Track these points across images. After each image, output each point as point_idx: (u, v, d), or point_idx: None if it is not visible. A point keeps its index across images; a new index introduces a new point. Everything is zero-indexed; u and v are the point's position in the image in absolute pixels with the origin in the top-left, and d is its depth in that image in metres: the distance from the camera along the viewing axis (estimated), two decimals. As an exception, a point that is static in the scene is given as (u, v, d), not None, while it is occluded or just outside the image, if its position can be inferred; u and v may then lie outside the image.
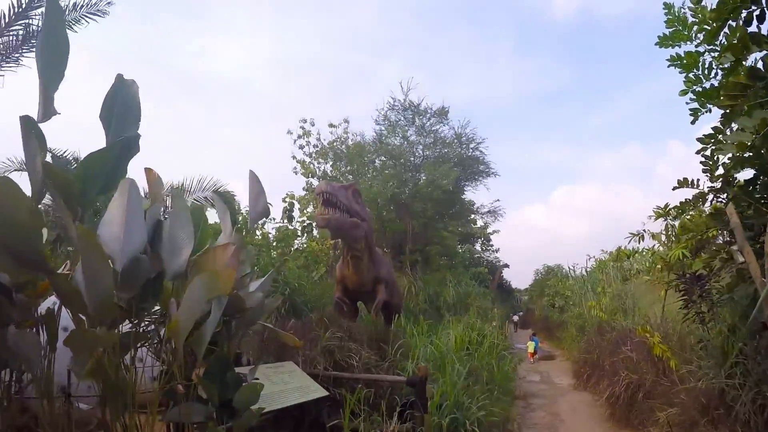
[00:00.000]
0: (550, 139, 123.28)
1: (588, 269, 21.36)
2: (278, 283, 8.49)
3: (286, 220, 18.54)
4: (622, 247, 20.00)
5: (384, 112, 19.59)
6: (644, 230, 9.95)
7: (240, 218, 15.96)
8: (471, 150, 19.96)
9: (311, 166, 19.81)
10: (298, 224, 18.60)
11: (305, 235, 18.76)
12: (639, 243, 9.90)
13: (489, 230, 31.28)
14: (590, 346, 12.26)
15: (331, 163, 19.53)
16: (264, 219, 17.55)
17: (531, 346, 19.61)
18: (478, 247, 33.31)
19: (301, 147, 19.88)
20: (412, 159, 19.20)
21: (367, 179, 18.33)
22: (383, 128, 19.58)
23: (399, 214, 19.23)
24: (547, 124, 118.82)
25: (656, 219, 9.52)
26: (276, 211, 18.11)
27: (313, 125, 19.96)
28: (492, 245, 35.05)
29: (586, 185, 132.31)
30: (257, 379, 4.29)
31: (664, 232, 9.95)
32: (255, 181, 5.29)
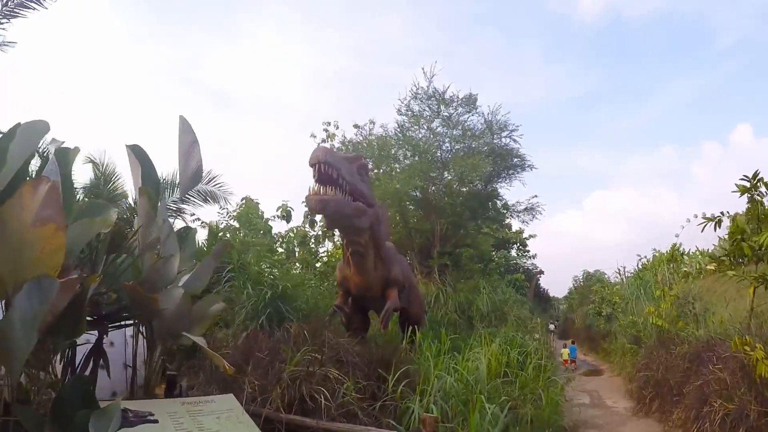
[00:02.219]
0: (582, 144, 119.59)
1: (637, 271, 19.24)
2: (262, 286, 6.86)
3: (307, 225, 17.51)
4: (676, 245, 17.92)
5: (407, 102, 17.78)
6: (723, 212, 7.95)
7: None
8: (503, 139, 17.86)
9: (336, 168, 18.48)
10: (320, 229, 17.42)
11: (326, 239, 17.60)
12: (715, 230, 7.93)
13: (525, 235, 29.43)
14: (651, 362, 10.30)
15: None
16: (282, 218, 16.88)
17: (565, 353, 18.48)
18: (513, 252, 31.33)
19: (326, 151, 18.62)
20: (439, 154, 17.41)
21: (391, 176, 16.72)
22: (406, 119, 17.81)
23: (425, 213, 17.51)
24: (578, 129, 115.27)
25: (741, 195, 7.54)
26: (297, 215, 17.10)
27: (337, 128, 18.69)
28: (528, 251, 33.10)
29: (620, 190, 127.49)
30: (155, 421, 2.71)
31: (746, 214, 7.82)
32: (186, 130, 3.74)
